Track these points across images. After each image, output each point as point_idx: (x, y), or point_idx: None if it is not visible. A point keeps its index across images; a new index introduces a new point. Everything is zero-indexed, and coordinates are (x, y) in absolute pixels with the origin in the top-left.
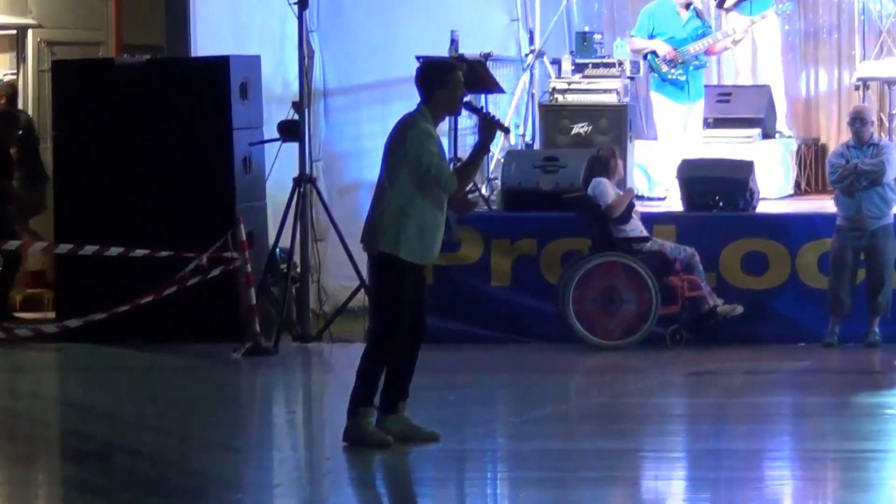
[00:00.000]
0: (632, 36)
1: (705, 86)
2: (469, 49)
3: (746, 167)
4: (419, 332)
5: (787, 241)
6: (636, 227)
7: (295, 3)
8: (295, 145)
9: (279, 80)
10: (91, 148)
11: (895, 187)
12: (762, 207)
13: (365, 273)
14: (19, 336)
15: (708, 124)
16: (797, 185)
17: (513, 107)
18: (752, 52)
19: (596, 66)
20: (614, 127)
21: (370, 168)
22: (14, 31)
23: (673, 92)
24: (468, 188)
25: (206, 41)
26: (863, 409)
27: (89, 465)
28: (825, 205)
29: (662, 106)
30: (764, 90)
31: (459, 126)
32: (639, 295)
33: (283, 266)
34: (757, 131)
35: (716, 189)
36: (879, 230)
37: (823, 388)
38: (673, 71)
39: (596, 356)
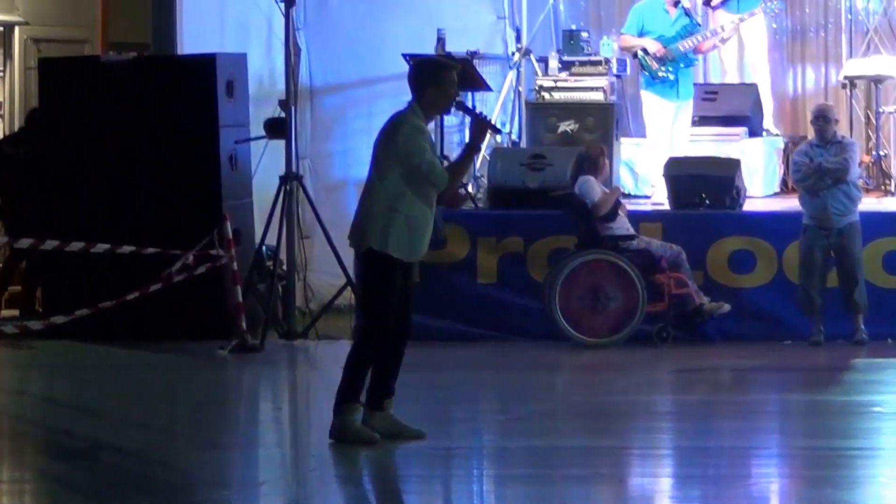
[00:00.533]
0: (622, 33)
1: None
2: (456, 47)
3: (733, 165)
4: (406, 329)
5: (774, 240)
6: (623, 225)
7: (281, 1)
8: (281, 143)
9: (266, 77)
10: (77, 145)
11: (860, 185)
12: (749, 206)
13: (351, 271)
14: (5, 333)
15: (694, 122)
16: (784, 183)
17: (499, 105)
18: (738, 50)
19: (583, 64)
20: (601, 125)
21: (356, 166)
22: (1, 28)
23: (662, 90)
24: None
25: (193, 39)
26: (850, 406)
27: (75, 462)
28: None
29: (652, 104)
30: (751, 88)
31: (446, 124)
32: (625, 293)
33: (270, 264)
34: (743, 129)
35: (702, 187)
36: (846, 228)
37: (810, 385)
38: (662, 69)
39: (582, 354)
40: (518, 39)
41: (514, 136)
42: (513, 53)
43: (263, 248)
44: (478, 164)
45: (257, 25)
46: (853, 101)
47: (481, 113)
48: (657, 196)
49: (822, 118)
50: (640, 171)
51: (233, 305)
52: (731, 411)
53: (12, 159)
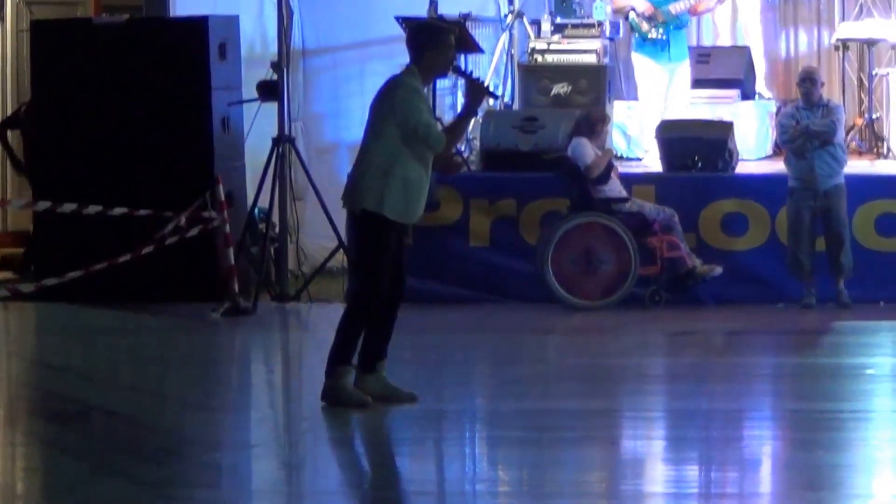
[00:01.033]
0: None
1: None
2: (448, 9)
3: (725, 128)
4: (398, 292)
5: (767, 202)
6: (615, 188)
7: None
8: (273, 105)
9: (258, 40)
10: (70, 108)
11: (846, 147)
12: (741, 168)
13: (343, 233)
14: None
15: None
16: (776, 146)
17: (492, 67)
18: (731, 12)
19: (575, 26)
20: (594, 88)
21: (349, 128)
22: None
23: (653, 52)
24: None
25: (185, 1)
26: (842, 369)
27: (66, 425)
28: None
29: (643, 67)
30: (743, 51)
31: (439, 86)
32: (618, 255)
33: (262, 226)
34: (736, 92)
35: (695, 150)
36: (832, 189)
37: (802, 348)
38: (653, 31)
39: (574, 317)
40: (511, 2)
41: (506, 99)
42: (505, 16)
43: (256, 210)
44: (471, 127)
45: None
46: (846, 64)
47: (477, 77)
48: (649, 159)
49: (809, 80)
50: (633, 134)
51: (225, 268)
52: (723, 374)
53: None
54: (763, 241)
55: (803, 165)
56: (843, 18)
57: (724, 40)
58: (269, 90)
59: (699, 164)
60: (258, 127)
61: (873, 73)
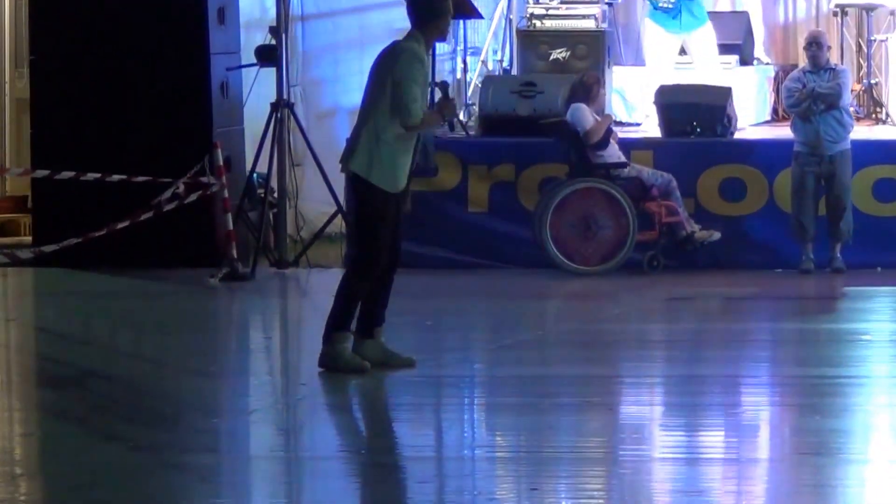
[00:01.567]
0: None
1: None
2: None
3: (724, 93)
4: (396, 257)
5: (765, 167)
6: (614, 153)
7: None
8: (272, 70)
9: (257, 4)
10: (68, 73)
11: (851, 112)
12: (740, 134)
13: (342, 198)
14: None
15: (684, 51)
16: (774, 111)
17: (490, 32)
18: None
19: None
20: (592, 53)
21: (347, 93)
22: None
23: (664, 20)
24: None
25: None
26: (839, 334)
27: (64, 390)
28: None
29: (653, 34)
30: (742, 16)
31: (438, 52)
32: (616, 221)
33: (260, 191)
34: (735, 57)
35: (693, 115)
36: (837, 155)
37: (800, 313)
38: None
39: (573, 282)
40: None
41: (504, 64)
42: None
43: (254, 175)
44: (469, 92)
45: None
46: (844, 30)
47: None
48: (649, 125)
49: (816, 44)
50: (635, 100)
51: (223, 233)
52: (720, 339)
53: None
54: (761, 206)
55: (809, 130)
56: None
57: (723, 5)
58: (268, 55)
59: (698, 130)
60: (257, 92)
61: (872, 38)
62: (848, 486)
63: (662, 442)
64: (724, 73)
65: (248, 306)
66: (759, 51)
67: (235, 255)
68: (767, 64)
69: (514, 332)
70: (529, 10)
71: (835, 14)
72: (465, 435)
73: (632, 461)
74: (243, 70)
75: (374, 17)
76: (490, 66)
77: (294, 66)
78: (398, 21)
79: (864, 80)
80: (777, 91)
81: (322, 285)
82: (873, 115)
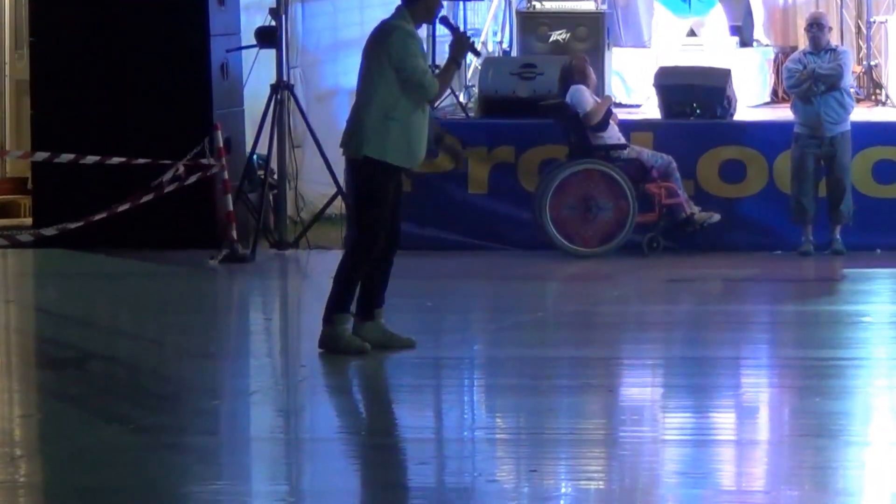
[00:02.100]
0: None
1: None
2: None
3: (724, 75)
4: (395, 238)
5: (765, 149)
6: (614, 135)
7: None
8: (272, 52)
9: None
10: (68, 54)
11: (852, 93)
12: (739, 115)
13: (342, 180)
14: None
15: (693, 33)
16: (774, 93)
17: (490, 14)
18: None
19: None
20: (592, 34)
21: (347, 74)
22: None
23: (673, 4)
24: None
25: None
26: (839, 316)
27: (64, 371)
28: None
29: (662, 16)
30: None
31: (438, 34)
32: (616, 202)
33: (261, 173)
34: (735, 39)
35: (693, 97)
36: (838, 136)
37: (799, 295)
38: None
39: (573, 264)
40: None
41: (504, 46)
42: None
43: (254, 157)
44: (469, 74)
45: None
46: (844, 11)
47: (462, 32)
48: (649, 106)
49: (817, 26)
50: (634, 81)
51: (223, 215)
52: (720, 321)
53: None
54: (761, 188)
55: (810, 111)
56: None
57: None
58: (268, 36)
59: (697, 111)
60: (257, 73)
61: (871, 20)
62: (848, 467)
63: (662, 424)
64: (733, 54)
65: (248, 288)
66: (758, 32)
67: (235, 237)
68: (767, 46)
69: (514, 313)
70: None
71: None
72: (465, 416)
73: (631, 443)
74: (243, 52)
75: None
76: (490, 48)
77: (294, 48)
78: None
79: (864, 62)
80: (777, 73)
81: (322, 267)
82: (873, 97)
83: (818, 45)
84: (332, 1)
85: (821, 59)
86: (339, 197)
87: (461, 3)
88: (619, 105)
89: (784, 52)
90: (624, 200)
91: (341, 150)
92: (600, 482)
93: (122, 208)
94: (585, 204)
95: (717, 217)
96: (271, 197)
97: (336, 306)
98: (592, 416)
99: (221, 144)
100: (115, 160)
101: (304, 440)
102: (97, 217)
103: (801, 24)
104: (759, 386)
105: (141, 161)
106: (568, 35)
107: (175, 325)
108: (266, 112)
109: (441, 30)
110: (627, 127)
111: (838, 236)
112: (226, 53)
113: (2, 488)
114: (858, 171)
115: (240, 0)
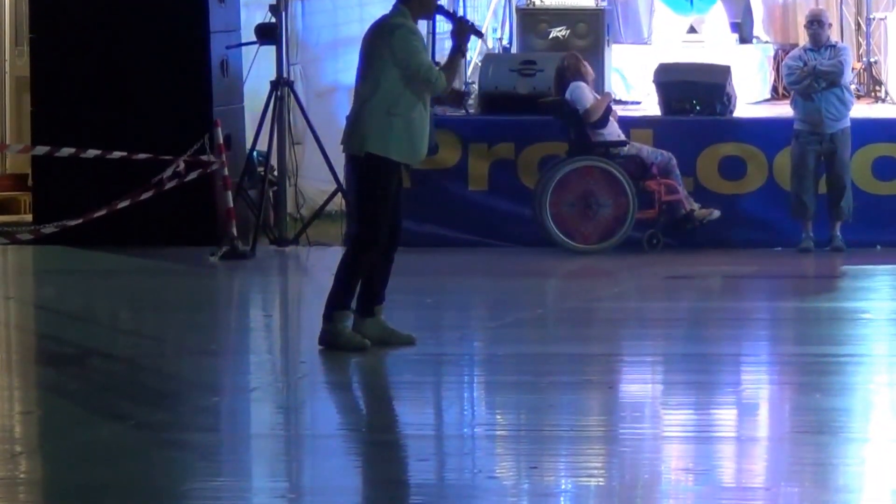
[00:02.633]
0: None
1: None
2: None
3: (723, 72)
4: (395, 235)
5: (765, 146)
6: (613, 132)
7: None
8: (272, 48)
9: None
10: (68, 51)
11: (852, 90)
12: (739, 112)
13: (342, 176)
14: None
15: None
16: (774, 89)
17: (490, 10)
18: None
19: None
20: (592, 31)
21: (346, 71)
22: None
23: (675, 1)
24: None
25: None
26: (839, 313)
27: (64, 368)
28: None
29: (663, 13)
30: None
31: (438, 30)
32: (616, 199)
33: (261, 169)
34: (734, 36)
35: (693, 93)
36: (838, 133)
37: (799, 292)
38: None
39: (573, 260)
40: None
41: (504, 42)
42: None
43: (254, 153)
44: (469, 70)
45: None
46: (843, 8)
47: (462, 17)
48: (649, 103)
49: (817, 23)
50: (634, 78)
51: (223, 211)
52: (720, 318)
53: None
54: (761, 185)
55: (810, 108)
56: None
57: None
58: (268, 33)
59: (697, 108)
60: (257, 70)
61: (871, 16)
62: (848, 464)
63: (662, 420)
64: (733, 51)
65: (248, 284)
66: (758, 29)
67: (235, 233)
68: (767, 42)
69: (514, 310)
70: None
71: None
72: (465, 413)
73: (631, 439)
74: (243, 48)
75: None
76: (490, 45)
77: (294, 45)
78: None
79: (864, 59)
80: (777, 70)
81: (322, 263)
82: (872, 94)
83: (818, 41)
84: None
85: (821, 55)
86: (339, 193)
87: None
88: (619, 102)
89: (784, 49)
90: (624, 197)
91: (342, 147)
92: (600, 479)
93: (122, 205)
94: (585, 201)
95: (716, 214)
96: (271, 193)
97: (337, 303)
98: (592, 412)
99: (221, 141)
100: (116, 154)
101: (304, 437)
102: (97, 214)
103: (801, 20)
104: (759, 382)
105: (141, 156)
106: (568, 32)
107: (175, 322)
108: (266, 109)
109: (441, 27)
110: (627, 124)
111: (838, 233)
112: (226, 50)
113: (2, 485)
114: (858, 167)
115: None
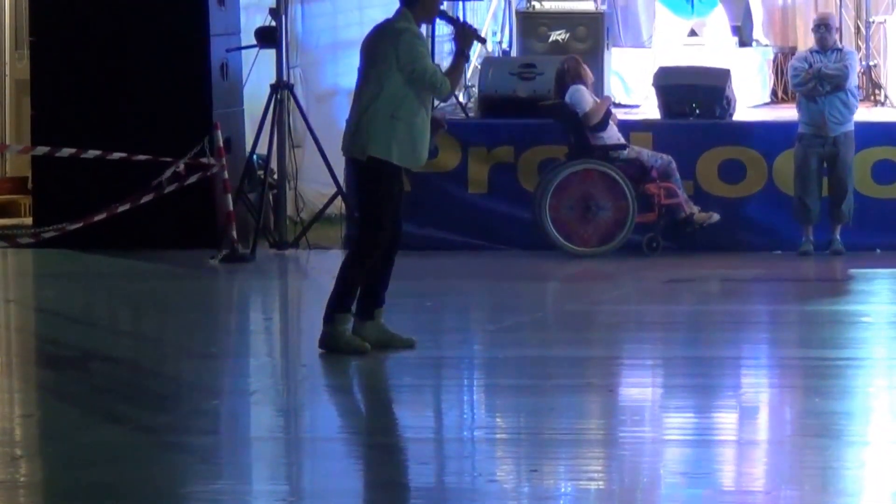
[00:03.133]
0: None
1: None
2: None
3: (723, 75)
4: (396, 238)
5: (764, 149)
6: (613, 135)
7: None
8: (272, 52)
9: None
10: (68, 54)
11: (857, 94)
12: (739, 115)
13: (342, 180)
14: None
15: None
16: (774, 93)
17: (490, 14)
18: None
19: None
20: (592, 34)
21: (347, 74)
22: None
23: (675, 4)
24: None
25: None
26: (839, 316)
27: (64, 371)
28: None
29: (663, 17)
30: None
31: (437, 33)
32: (615, 202)
33: (260, 173)
34: (734, 39)
35: (693, 97)
36: (841, 137)
37: (799, 295)
38: None
39: (572, 264)
40: None
41: (504, 46)
42: None
43: (254, 157)
44: (468, 74)
45: None
46: (843, 11)
47: (464, 22)
48: (649, 106)
49: (824, 26)
50: (634, 81)
51: (223, 214)
52: (720, 321)
53: None
54: (760, 188)
55: (815, 110)
56: None
57: None
58: (268, 36)
59: (697, 111)
60: (256, 73)
61: (871, 20)
62: (848, 468)
63: (662, 424)
64: (733, 54)
65: (248, 287)
66: (757, 32)
67: (235, 236)
68: (766, 46)
69: (514, 313)
70: None
71: None
72: (465, 416)
73: (631, 443)
74: (243, 51)
75: None
76: (489, 48)
77: (294, 48)
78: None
79: (863, 62)
80: (776, 73)
81: (322, 266)
82: (872, 97)
83: (825, 45)
84: (332, 1)
85: (827, 58)
86: (339, 197)
87: (461, 2)
88: (619, 105)
89: (783, 53)
90: (623, 200)
91: (343, 150)
92: (600, 482)
93: (122, 208)
94: (585, 204)
95: (716, 217)
96: (271, 197)
97: (337, 306)
98: (592, 416)
99: (221, 144)
100: (116, 155)
101: (304, 440)
102: (97, 217)
103: (801, 24)
104: (759, 386)
105: (141, 157)
106: (567, 35)
107: (175, 325)
108: (266, 112)
109: (441, 29)
110: (627, 127)
111: (838, 236)
112: (226, 53)
113: (2, 488)
114: (858, 171)
115: (239, 0)
